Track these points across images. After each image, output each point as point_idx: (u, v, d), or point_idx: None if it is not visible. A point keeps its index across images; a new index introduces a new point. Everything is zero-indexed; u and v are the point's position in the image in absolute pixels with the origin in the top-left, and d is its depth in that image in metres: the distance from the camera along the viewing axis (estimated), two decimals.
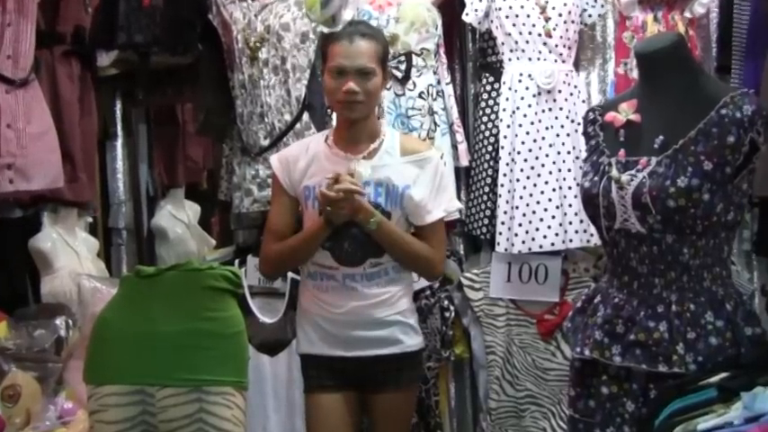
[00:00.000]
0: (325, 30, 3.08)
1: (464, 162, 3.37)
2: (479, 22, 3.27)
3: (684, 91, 2.13)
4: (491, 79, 3.36)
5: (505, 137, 3.20)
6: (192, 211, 4.43)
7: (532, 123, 3.18)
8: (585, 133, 2.32)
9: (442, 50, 3.35)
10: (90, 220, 3.85)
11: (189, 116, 4.27)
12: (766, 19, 2.92)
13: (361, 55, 2.48)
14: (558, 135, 3.19)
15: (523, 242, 3.16)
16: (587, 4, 3.27)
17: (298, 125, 3.18)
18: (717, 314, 2.07)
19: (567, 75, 3.22)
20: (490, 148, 3.31)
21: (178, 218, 4.33)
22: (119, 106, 4.11)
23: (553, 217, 3.15)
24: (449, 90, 3.35)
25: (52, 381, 3.04)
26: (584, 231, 3.13)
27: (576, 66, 3.33)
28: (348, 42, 2.49)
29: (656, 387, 2.07)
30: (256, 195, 3.24)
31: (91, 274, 3.41)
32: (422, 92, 3.21)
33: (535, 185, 3.17)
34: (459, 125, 3.37)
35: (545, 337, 3.26)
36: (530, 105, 3.18)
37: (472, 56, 3.52)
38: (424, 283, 3.05)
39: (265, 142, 3.21)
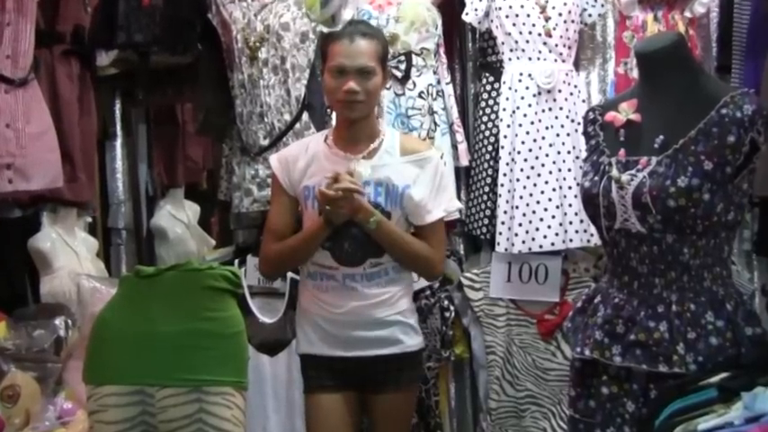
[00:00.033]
0: (325, 29, 3.09)
1: (464, 162, 3.37)
2: (479, 22, 3.27)
3: (685, 91, 2.13)
4: (491, 79, 3.36)
5: (505, 136, 3.20)
6: (191, 210, 4.43)
7: (532, 123, 3.18)
8: (585, 133, 2.32)
9: (441, 50, 3.35)
10: (89, 219, 3.85)
11: (188, 116, 4.27)
12: (766, 18, 2.91)
13: (361, 54, 2.48)
14: (558, 135, 3.18)
15: (523, 242, 3.15)
16: (587, 3, 3.27)
17: (297, 125, 3.18)
18: (717, 314, 2.06)
19: (567, 74, 3.22)
20: (490, 148, 3.30)
21: (178, 218, 4.33)
22: (118, 106, 4.11)
23: (553, 217, 3.15)
24: (449, 90, 3.35)
25: (51, 381, 3.04)
26: (585, 231, 3.12)
27: (576, 65, 3.33)
28: (348, 42, 2.49)
29: (657, 387, 2.07)
30: (256, 195, 3.23)
31: (90, 274, 3.41)
32: (422, 91, 3.20)
33: (535, 185, 3.16)
34: (459, 125, 3.37)
35: (545, 337, 3.25)
36: (530, 105, 3.18)
37: (472, 55, 3.52)
38: (424, 283, 3.05)
39: (265, 142, 3.20)
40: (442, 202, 2.59)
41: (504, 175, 3.20)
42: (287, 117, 3.18)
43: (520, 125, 3.18)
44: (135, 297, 2.41)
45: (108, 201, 4.11)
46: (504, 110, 3.21)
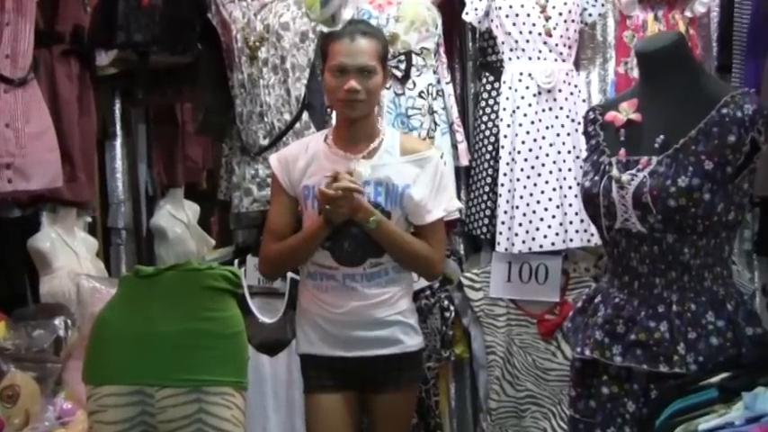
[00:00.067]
0: (325, 29, 3.09)
1: (464, 161, 3.36)
2: (479, 22, 3.27)
3: (685, 90, 2.13)
4: (491, 78, 3.36)
5: (506, 136, 3.20)
6: (191, 210, 4.42)
7: (533, 123, 3.17)
8: (586, 133, 2.32)
9: (441, 50, 3.34)
10: (89, 219, 3.84)
11: (188, 116, 4.26)
12: (767, 18, 2.91)
13: (362, 53, 2.48)
14: (558, 134, 3.18)
15: (524, 242, 3.15)
16: (587, 3, 3.27)
17: (297, 124, 3.17)
18: (718, 314, 2.06)
19: (567, 74, 3.22)
20: (490, 148, 3.30)
21: (177, 218, 4.33)
22: (118, 106, 4.10)
23: (553, 216, 3.15)
24: (449, 89, 3.34)
25: (51, 381, 3.04)
26: (585, 231, 3.12)
27: (577, 65, 3.33)
28: (349, 41, 2.49)
29: (657, 387, 2.07)
30: (256, 195, 3.23)
31: (90, 273, 3.41)
32: (422, 91, 3.20)
33: (535, 185, 3.16)
34: (459, 124, 3.37)
35: (545, 337, 3.25)
36: (530, 105, 3.18)
37: (472, 55, 3.52)
38: (424, 283, 3.05)
39: (265, 142, 3.20)
40: (441, 202, 2.59)
41: (505, 174, 3.19)
42: (287, 117, 3.18)
43: (520, 125, 3.17)
44: (134, 297, 2.40)
45: (108, 200, 4.11)
46: (505, 109, 3.21)
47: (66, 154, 3.43)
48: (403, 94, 3.19)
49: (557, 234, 3.14)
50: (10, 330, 3.18)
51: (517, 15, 3.19)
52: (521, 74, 3.19)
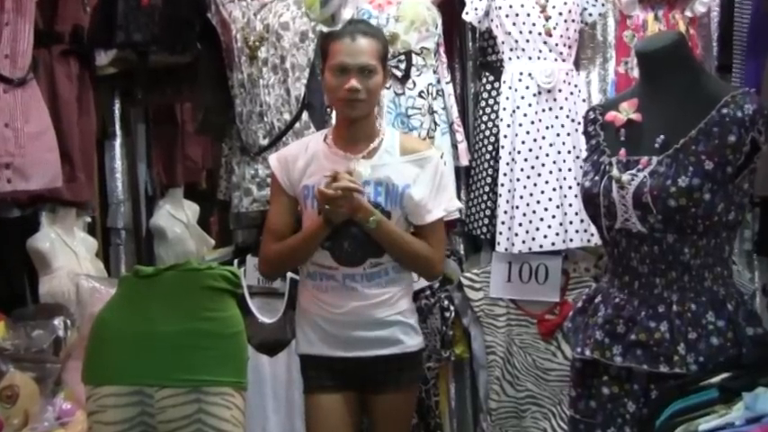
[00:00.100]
0: (325, 29, 3.08)
1: (464, 161, 3.36)
2: (479, 21, 3.26)
3: (685, 90, 2.13)
4: (491, 78, 3.35)
5: (506, 136, 3.19)
6: (190, 210, 4.42)
7: (533, 123, 3.17)
8: (586, 132, 2.31)
9: (441, 49, 3.34)
10: (88, 219, 3.84)
11: (188, 115, 4.26)
12: (767, 17, 2.91)
13: (363, 53, 2.47)
14: (558, 134, 3.18)
15: (524, 242, 3.15)
16: (588, 2, 3.26)
17: (297, 124, 3.17)
18: (718, 314, 2.06)
19: (567, 74, 3.21)
20: (490, 148, 3.30)
21: (177, 218, 4.32)
22: (117, 105, 4.10)
23: (553, 216, 3.14)
24: (449, 89, 3.34)
25: (50, 381, 3.03)
26: (585, 231, 3.12)
27: (577, 65, 3.32)
28: (350, 40, 2.49)
29: (658, 387, 2.06)
30: (255, 195, 3.23)
31: (89, 274, 3.41)
32: (422, 91, 3.20)
33: (535, 185, 3.16)
34: (459, 124, 3.36)
35: (545, 337, 3.25)
36: (530, 104, 3.18)
37: (472, 55, 3.52)
38: (424, 283, 3.05)
39: (264, 141, 3.20)
40: (441, 202, 2.58)
41: (505, 174, 3.19)
42: (286, 116, 3.17)
43: (520, 125, 3.17)
44: (134, 297, 2.40)
45: (107, 200, 4.11)
46: (505, 109, 3.20)
47: (66, 154, 3.43)
48: (403, 93, 3.18)
49: (557, 234, 3.14)
50: (9, 330, 3.17)
51: (517, 15, 3.19)
52: (521, 74, 3.19)
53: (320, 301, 2.56)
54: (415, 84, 3.19)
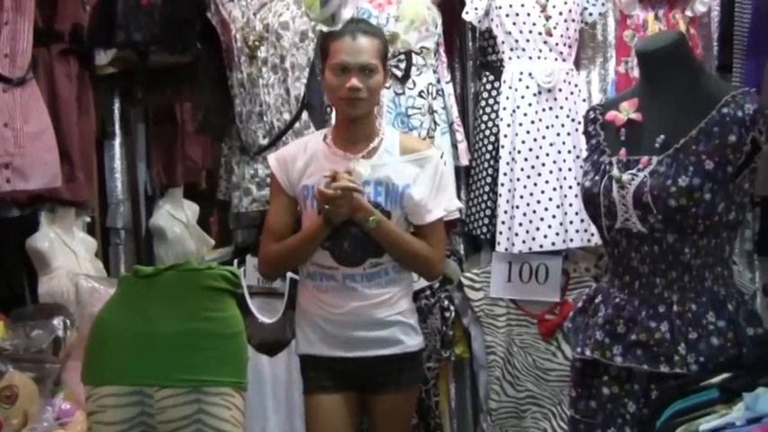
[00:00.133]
0: (325, 28, 3.08)
1: (464, 161, 3.36)
2: (479, 21, 3.26)
3: (685, 90, 2.13)
4: (491, 78, 3.35)
5: (506, 136, 3.19)
6: (190, 210, 4.42)
7: (533, 122, 3.17)
8: (586, 132, 2.31)
9: (441, 49, 3.34)
10: (88, 219, 3.84)
11: (187, 115, 4.26)
12: (767, 18, 2.91)
13: (363, 52, 2.47)
14: (558, 134, 3.18)
15: (524, 242, 3.15)
16: (588, 2, 3.26)
17: (297, 124, 3.17)
18: (718, 314, 2.06)
19: (567, 73, 3.21)
20: (490, 148, 3.30)
21: (177, 217, 4.32)
22: (117, 105, 4.10)
23: (554, 216, 3.14)
24: (449, 89, 3.34)
25: (50, 381, 3.03)
26: (585, 231, 3.12)
27: (577, 64, 3.32)
28: (351, 39, 2.48)
29: (658, 387, 2.06)
30: (255, 195, 3.23)
31: (89, 273, 3.40)
32: (422, 91, 3.19)
33: (536, 185, 3.16)
34: (459, 124, 3.36)
35: (546, 337, 3.25)
36: (530, 104, 3.17)
37: (472, 54, 3.51)
38: (424, 283, 3.04)
39: (264, 141, 3.20)
40: (441, 202, 2.58)
41: (505, 174, 3.19)
42: (286, 116, 3.17)
43: (520, 124, 3.17)
44: (134, 297, 2.40)
45: (107, 200, 4.10)
46: (505, 109, 3.20)
47: (65, 153, 3.42)
48: (403, 93, 3.18)
49: (557, 234, 3.14)
50: (8, 330, 3.17)
51: (517, 15, 3.18)
52: (521, 73, 3.19)
53: (320, 301, 2.56)
54: (414, 83, 3.19)
